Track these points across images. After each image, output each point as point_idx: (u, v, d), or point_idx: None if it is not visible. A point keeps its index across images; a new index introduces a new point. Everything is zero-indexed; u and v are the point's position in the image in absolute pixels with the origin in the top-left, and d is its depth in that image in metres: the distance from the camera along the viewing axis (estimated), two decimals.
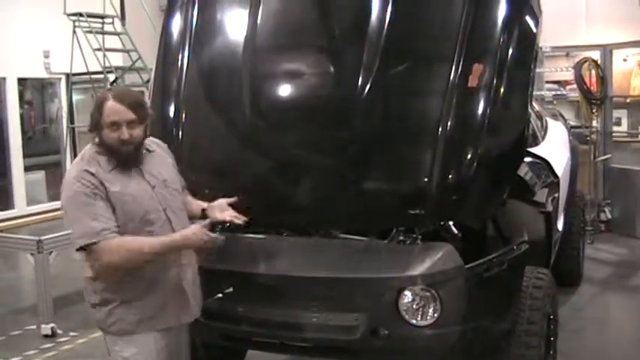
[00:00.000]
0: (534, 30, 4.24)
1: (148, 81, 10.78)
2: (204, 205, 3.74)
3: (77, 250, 3.20)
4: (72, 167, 3.37)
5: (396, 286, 3.73)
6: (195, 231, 3.32)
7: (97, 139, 3.35)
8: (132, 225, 3.27)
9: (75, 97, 13.05)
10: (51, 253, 6.61)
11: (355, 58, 4.33)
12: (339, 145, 4.28)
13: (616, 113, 10.29)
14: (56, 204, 11.01)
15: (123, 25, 12.02)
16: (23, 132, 12.64)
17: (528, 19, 4.25)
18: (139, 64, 11.71)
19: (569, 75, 10.14)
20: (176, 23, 5.05)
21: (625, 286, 7.80)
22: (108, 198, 3.23)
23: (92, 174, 3.24)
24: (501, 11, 4.18)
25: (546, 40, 9.92)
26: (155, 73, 5.12)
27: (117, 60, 12.02)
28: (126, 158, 3.32)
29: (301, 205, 4.30)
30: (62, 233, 6.47)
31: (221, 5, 5.10)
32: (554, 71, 10.62)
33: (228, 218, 3.58)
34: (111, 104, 3.27)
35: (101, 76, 11.76)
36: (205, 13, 5.01)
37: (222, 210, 3.65)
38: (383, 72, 4.24)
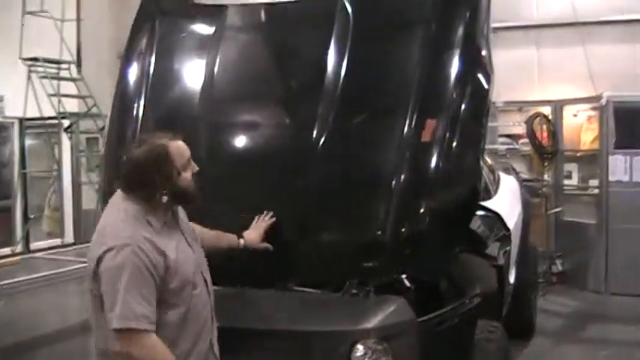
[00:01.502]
0: (486, 86, 4.32)
1: (103, 128, 10.72)
2: (236, 238, 3.91)
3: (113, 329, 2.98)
4: (120, 224, 3.08)
5: (349, 339, 3.70)
6: None
7: (164, 198, 3.13)
8: (185, 292, 3.13)
9: (27, 142, 12.84)
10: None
11: (311, 110, 4.37)
12: (295, 197, 4.28)
13: (567, 167, 10.50)
14: (4, 250, 10.83)
15: (79, 71, 11.95)
16: None
17: (481, 76, 4.33)
18: (94, 110, 11.62)
19: (521, 129, 10.32)
20: (133, 71, 5.05)
21: (578, 338, 7.85)
22: (167, 267, 3.05)
23: (151, 241, 3.04)
24: (455, 68, 4.26)
25: (500, 95, 10.15)
26: (110, 120, 5.11)
27: (72, 106, 11.91)
28: (196, 197, 3.23)
29: (256, 257, 4.28)
30: (11, 281, 6.33)
31: (178, 54, 5.11)
32: (508, 125, 10.81)
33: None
34: (176, 145, 3.17)
35: (55, 121, 11.63)
36: (162, 62, 5.01)
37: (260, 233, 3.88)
38: (338, 124, 4.28)
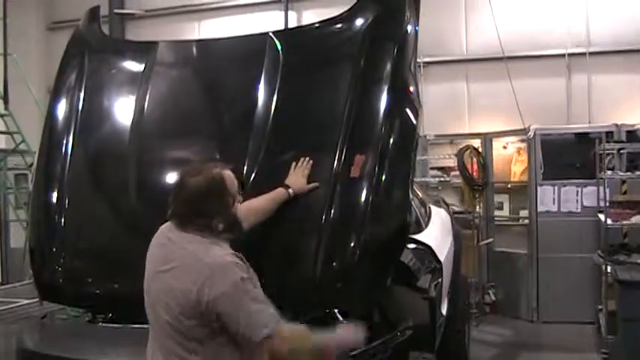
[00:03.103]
0: (414, 121, 4.38)
1: (31, 165, 10.50)
2: (284, 190, 3.99)
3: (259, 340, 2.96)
4: (203, 248, 3.04)
5: None
6: (357, 335, 3.25)
7: (220, 226, 3.09)
8: None
9: None
10: None
11: (241, 146, 4.38)
12: None
13: (498, 198, 10.72)
14: None
15: (6, 107, 11.70)
16: None
17: (409, 110, 4.38)
18: (22, 146, 11.39)
19: (452, 162, 10.51)
20: (62, 107, 5.00)
21: None
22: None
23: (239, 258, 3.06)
24: (383, 103, 4.31)
25: (431, 128, 10.37)
26: (39, 156, 5.02)
27: None
28: (241, 228, 3.23)
29: None
30: None
31: (108, 90, 5.08)
32: (439, 158, 11.00)
33: None
34: (229, 174, 3.15)
35: None
36: (92, 98, 4.99)
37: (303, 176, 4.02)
38: (268, 160, 4.31)
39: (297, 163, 4.16)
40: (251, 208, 3.75)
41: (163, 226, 3.24)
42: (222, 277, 2.95)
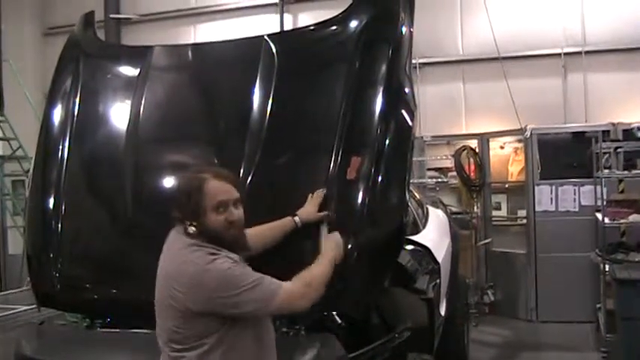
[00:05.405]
0: (410, 122, 4.38)
1: (28, 171, 10.49)
2: (291, 218, 3.90)
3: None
4: (185, 261, 3.05)
5: None
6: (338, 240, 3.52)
7: (191, 229, 3.10)
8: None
9: None
10: None
11: (237, 150, 4.38)
12: None
13: (496, 198, 10.72)
14: None
15: (2, 112, 11.70)
16: None
17: (404, 112, 4.37)
18: (19, 152, 11.40)
19: (449, 163, 10.49)
20: (57, 111, 5.00)
21: None
22: None
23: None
24: (378, 105, 4.30)
25: (428, 129, 10.39)
26: (35, 162, 5.03)
27: None
28: (231, 244, 3.13)
29: None
30: None
31: (104, 95, 5.08)
32: (436, 159, 11.01)
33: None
34: (214, 184, 3.10)
35: None
36: (87, 102, 4.99)
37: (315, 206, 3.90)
38: (265, 163, 4.31)
39: (312, 195, 4.06)
40: (258, 235, 3.71)
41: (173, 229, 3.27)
42: (209, 273, 2.98)
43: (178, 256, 3.10)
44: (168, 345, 3.13)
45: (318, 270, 3.32)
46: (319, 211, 3.97)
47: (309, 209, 3.99)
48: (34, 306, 5.16)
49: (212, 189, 3.10)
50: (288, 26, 11.98)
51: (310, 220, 3.95)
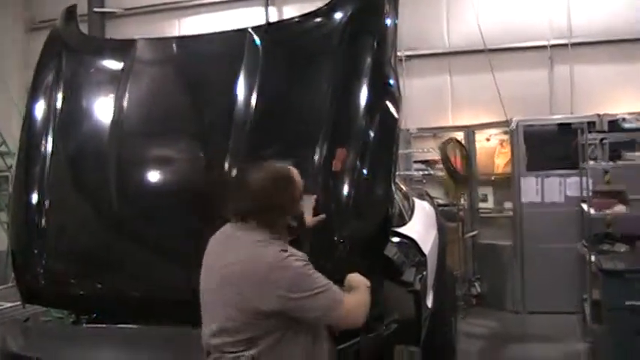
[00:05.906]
0: (395, 114, 4.38)
1: (12, 166, 10.42)
2: None
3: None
4: (255, 258, 3.02)
5: None
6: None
7: (289, 219, 3.14)
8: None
9: None
10: None
11: (223, 143, 4.36)
12: (209, 230, 4.24)
13: (482, 190, 10.73)
14: None
15: None
16: None
17: (389, 104, 4.38)
18: (2, 148, 11.30)
19: (436, 155, 10.50)
20: (40, 106, 4.97)
21: (499, 358, 7.97)
22: None
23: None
24: (364, 97, 4.31)
25: (414, 121, 10.37)
26: (18, 157, 4.99)
27: None
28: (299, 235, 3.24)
29: (171, 295, 4.21)
30: None
31: (87, 89, 5.05)
32: (422, 152, 11.00)
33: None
34: (295, 171, 3.17)
35: None
36: (70, 97, 4.95)
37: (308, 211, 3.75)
38: (250, 156, 4.29)
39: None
40: None
41: (226, 225, 3.24)
42: (283, 268, 2.97)
43: (246, 252, 3.06)
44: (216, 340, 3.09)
45: (366, 295, 3.28)
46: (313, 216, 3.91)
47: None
48: (18, 302, 5.13)
49: (297, 175, 3.18)
50: (273, 19, 11.92)
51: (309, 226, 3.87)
